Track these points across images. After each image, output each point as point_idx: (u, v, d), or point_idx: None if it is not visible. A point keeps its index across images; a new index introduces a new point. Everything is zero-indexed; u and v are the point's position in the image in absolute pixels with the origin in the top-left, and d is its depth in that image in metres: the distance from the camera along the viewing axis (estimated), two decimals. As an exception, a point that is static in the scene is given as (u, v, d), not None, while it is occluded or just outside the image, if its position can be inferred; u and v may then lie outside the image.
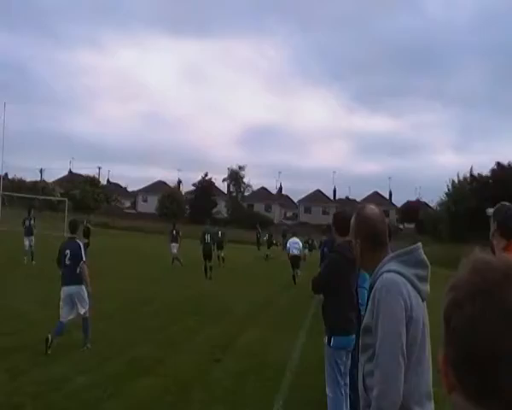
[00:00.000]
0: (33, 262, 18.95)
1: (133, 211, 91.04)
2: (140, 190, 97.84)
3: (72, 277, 8.00)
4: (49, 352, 7.51)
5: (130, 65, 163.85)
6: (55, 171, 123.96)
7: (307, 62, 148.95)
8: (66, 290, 8.01)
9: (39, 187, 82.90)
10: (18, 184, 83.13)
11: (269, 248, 34.69)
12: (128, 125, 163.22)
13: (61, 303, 8.00)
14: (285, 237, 44.85)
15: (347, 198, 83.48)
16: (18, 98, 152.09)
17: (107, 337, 8.85)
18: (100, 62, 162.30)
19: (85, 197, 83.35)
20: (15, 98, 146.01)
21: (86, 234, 23.85)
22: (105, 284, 15.25)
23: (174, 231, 24.00)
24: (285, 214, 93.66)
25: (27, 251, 19.40)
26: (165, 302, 13.14)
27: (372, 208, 2.69)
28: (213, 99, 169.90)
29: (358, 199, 74.11)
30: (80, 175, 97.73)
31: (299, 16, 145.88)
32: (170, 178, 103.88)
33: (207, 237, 19.99)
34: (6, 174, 77.75)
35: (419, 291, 2.35)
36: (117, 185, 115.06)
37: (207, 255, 19.43)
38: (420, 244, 2.51)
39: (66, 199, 47.69)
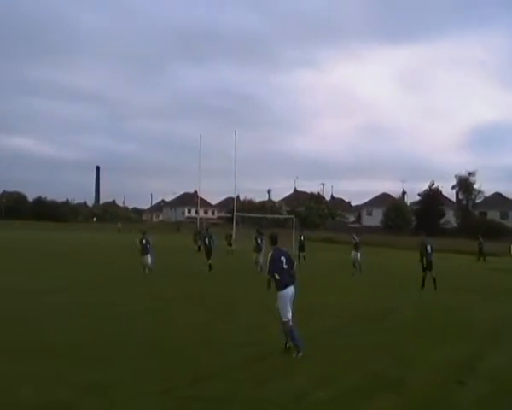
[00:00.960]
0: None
1: (358, 225, 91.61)
2: (364, 204, 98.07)
3: (290, 278, 8.80)
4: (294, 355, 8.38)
5: (347, 80, 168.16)
6: (281, 190, 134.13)
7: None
8: (289, 291, 8.72)
9: (267, 206, 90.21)
10: (248, 205, 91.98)
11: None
12: (348, 139, 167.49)
13: (282, 304, 8.62)
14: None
15: None
16: (245, 124, 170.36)
17: (337, 351, 9.04)
18: (317, 81, 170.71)
19: (310, 214, 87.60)
20: (242, 124, 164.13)
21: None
22: (329, 297, 15.74)
23: None
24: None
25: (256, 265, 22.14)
26: (397, 318, 12.85)
27: None
28: (432, 103, 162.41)
29: None
30: (305, 192, 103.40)
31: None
32: (394, 189, 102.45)
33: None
34: (238, 196, 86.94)
35: None
36: (341, 200, 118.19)
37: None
38: None
39: (293, 216, 50.62)
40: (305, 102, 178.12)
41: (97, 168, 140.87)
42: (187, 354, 8.52)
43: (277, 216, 74.37)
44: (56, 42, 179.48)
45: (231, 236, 36.55)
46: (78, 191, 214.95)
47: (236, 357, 8.44)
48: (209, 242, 21.74)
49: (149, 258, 19.47)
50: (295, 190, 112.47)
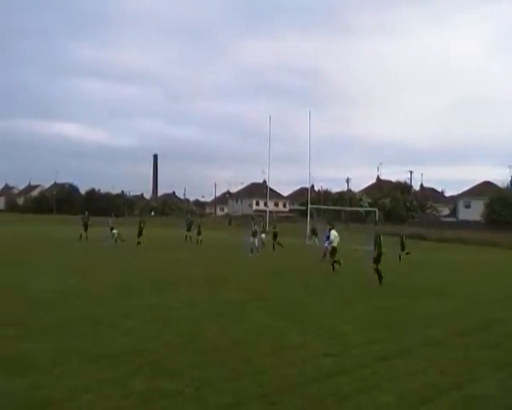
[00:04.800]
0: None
1: (453, 219, 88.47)
2: (461, 195, 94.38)
3: None
4: None
5: (434, 46, 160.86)
6: (361, 179, 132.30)
7: None
8: None
9: (346, 198, 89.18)
10: (324, 196, 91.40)
11: None
12: (439, 118, 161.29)
13: None
14: None
15: None
16: (317, 104, 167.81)
17: (435, 366, 8.72)
18: (398, 49, 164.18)
19: (396, 206, 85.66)
20: (315, 104, 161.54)
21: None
22: (428, 303, 15.26)
23: None
24: None
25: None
26: (505, 329, 12.26)
27: None
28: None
29: None
30: (389, 181, 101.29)
31: None
32: (499, 177, 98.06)
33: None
34: (312, 186, 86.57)
35: None
36: (432, 190, 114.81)
37: None
38: None
39: (375, 209, 49.66)
40: (386, 76, 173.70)
41: (155, 157, 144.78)
42: (254, 366, 8.51)
43: (357, 209, 73.33)
44: (101, 15, 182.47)
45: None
46: (135, 182, 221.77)
47: (312, 369, 8.33)
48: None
49: None
50: (378, 179, 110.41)
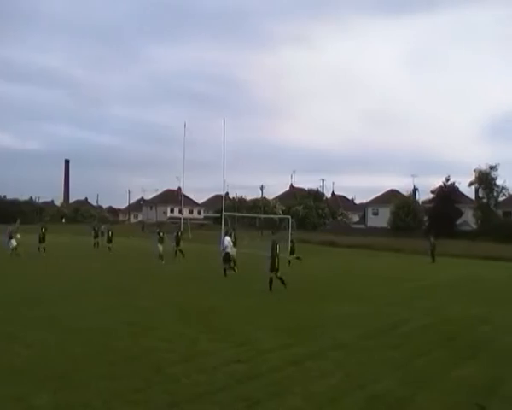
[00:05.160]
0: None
1: (362, 226, 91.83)
2: (369, 202, 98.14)
3: None
4: None
5: (347, 59, 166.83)
6: (275, 186, 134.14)
7: None
8: None
9: (260, 205, 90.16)
10: (239, 204, 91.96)
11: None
12: (350, 128, 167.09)
13: None
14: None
15: None
16: (232, 112, 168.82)
17: (342, 369, 9.02)
18: (312, 60, 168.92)
19: (309, 213, 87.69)
20: (230, 112, 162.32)
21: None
22: (338, 308, 15.74)
23: None
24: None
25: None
26: (407, 330, 12.87)
27: None
28: (448, 87, 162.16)
29: None
30: (302, 189, 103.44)
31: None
32: (403, 185, 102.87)
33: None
34: (227, 194, 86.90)
35: None
36: (343, 198, 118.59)
37: None
38: None
39: (288, 216, 50.51)
40: (300, 86, 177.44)
41: (66, 162, 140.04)
42: (166, 374, 8.43)
43: (271, 216, 74.34)
44: (9, 13, 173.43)
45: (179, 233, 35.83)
46: (44, 188, 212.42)
47: (224, 376, 8.37)
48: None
49: None
50: (292, 187, 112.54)
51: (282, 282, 18.74)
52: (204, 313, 14.13)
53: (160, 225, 38.16)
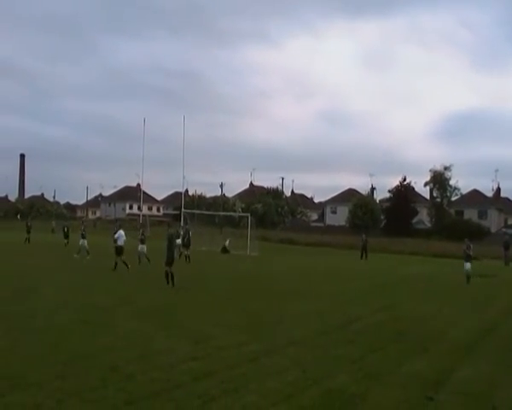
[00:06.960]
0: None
1: (321, 224, 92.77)
2: (328, 201, 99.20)
3: None
4: None
5: (304, 57, 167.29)
6: (235, 184, 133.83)
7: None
8: None
9: (220, 202, 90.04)
10: (198, 201, 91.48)
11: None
12: (309, 127, 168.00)
13: None
14: (508, 249, 41.36)
15: None
16: (192, 108, 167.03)
17: (298, 365, 9.12)
18: (270, 57, 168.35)
19: (268, 211, 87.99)
20: (189, 108, 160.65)
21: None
22: (294, 305, 15.91)
23: None
24: (505, 221, 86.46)
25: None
26: (361, 327, 13.11)
27: None
28: (404, 88, 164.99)
29: None
30: (262, 187, 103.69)
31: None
32: (361, 184, 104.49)
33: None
34: (186, 191, 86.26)
35: None
36: (302, 196, 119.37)
37: None
38: None
39: (248, 214, 50.65)
40: (257, 83, 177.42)
41: (22, 156, 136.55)
42: (122, 372, 8.35)
43: (231, 214, 74.32)
44: None
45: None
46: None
47: (180, 373, 8.35)
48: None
49: None
50: (251, 185, 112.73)
51: (172, 278, 18.62)
52: (160, 310, 14.05)
53: (118, 220, 37.26)
